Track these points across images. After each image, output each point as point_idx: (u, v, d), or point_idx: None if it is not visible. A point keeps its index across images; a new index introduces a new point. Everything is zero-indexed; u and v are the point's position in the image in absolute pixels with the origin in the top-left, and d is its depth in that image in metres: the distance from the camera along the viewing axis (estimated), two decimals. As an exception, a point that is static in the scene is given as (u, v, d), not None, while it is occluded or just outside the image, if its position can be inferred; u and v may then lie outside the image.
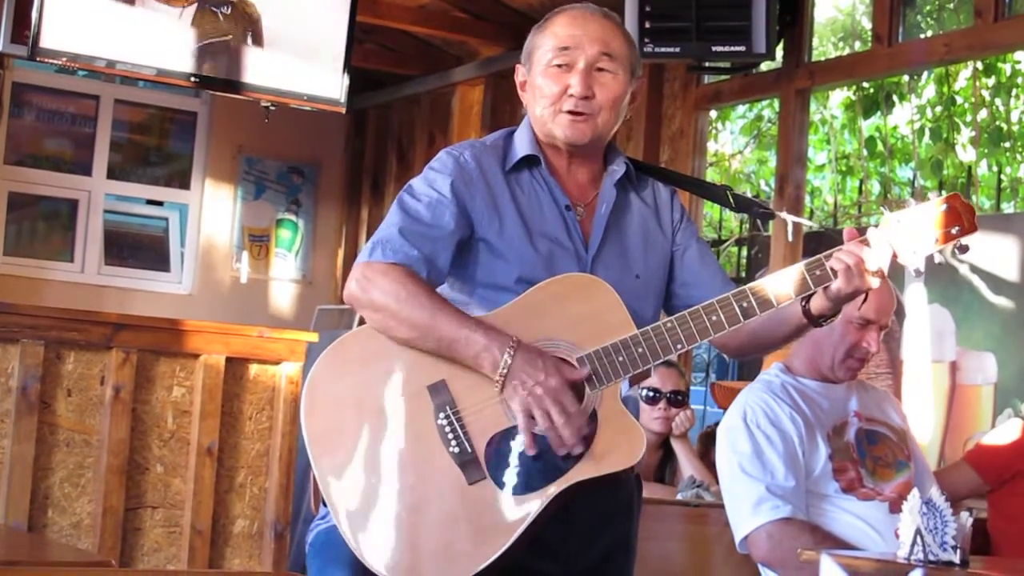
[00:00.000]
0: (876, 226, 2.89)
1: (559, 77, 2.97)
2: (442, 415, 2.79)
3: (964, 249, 2.87)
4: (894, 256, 2.85)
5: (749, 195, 3.39)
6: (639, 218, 3.10)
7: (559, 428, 2.73)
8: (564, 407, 2.73)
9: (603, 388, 2.82)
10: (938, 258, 2.87)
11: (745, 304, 2.84)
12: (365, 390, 2.84)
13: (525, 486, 2.77)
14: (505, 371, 2.74)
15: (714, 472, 5.88)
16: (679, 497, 5.39)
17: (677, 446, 5.64)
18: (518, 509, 2.77)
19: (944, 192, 2.96)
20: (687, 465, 5.61)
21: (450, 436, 2.78)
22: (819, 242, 6.73)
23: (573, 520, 2.91)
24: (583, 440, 2.78)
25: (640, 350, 2.83)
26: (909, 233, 2.84)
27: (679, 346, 2.85)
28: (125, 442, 5.00)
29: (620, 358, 2.82)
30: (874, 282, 2.84)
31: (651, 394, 5.46)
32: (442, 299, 2.85)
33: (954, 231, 2.85)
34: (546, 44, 2.99)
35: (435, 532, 2.76)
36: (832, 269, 2.82)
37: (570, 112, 2.96)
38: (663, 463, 5.73)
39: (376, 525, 2.77)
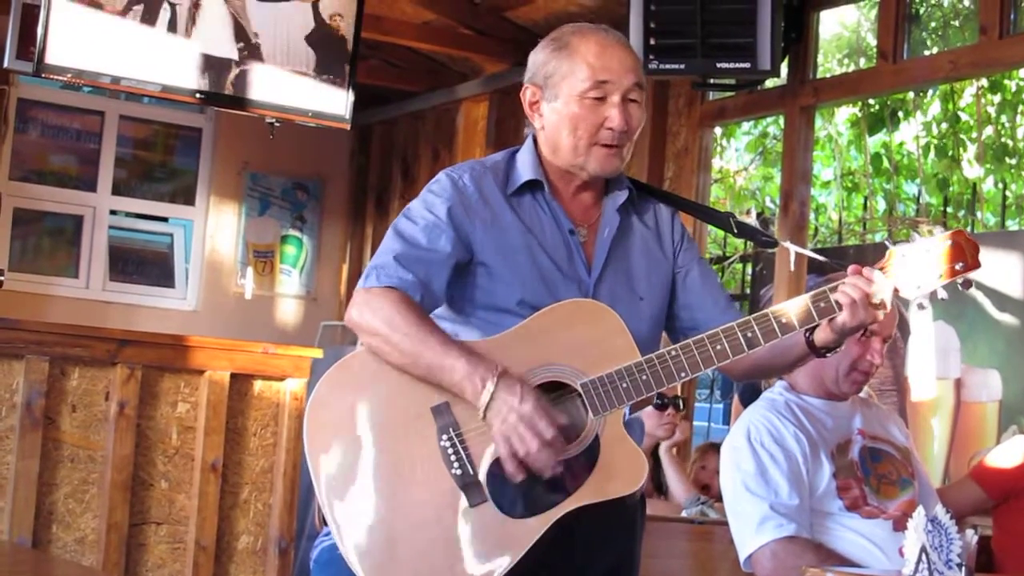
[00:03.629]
0: (881, 244, 2.91)
1: (596, 109, 2.96)
2: (445, 437, 2.80)
3: (968, 285, 2.90)
4: (896, 291, 2.87)
5: (753, 215, 3.40)
6: (641, 240, 3.10)
7: (532, 454, 2.73)
8: (538, 432, 2.73)
9: (606, 415, 2.83)
10: (941, 293, 2.89)
11: (750, 334, 2.85)
12: (368, 410, 2.85)
13: (526, 510, 2.78)
14: (488, 399, 2.75)
15: (698, 485, 5.91)
16: (684, 514, 5.40)
17: (666, 457, 5.67)
18: (519, 533, 2.77)
19: (950, 209, 2.99)
20: (674, 478, 5.65)
21: (453, 458, 2.79)
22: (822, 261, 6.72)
23: (577, 538, 2.91)
24: (586, 466, 2.80)
25: (644, 377, 2.84)
26: (913, 268, 2.87)
27: (683, 374, 2.86)
28: (129, 458, 5.00)
29: (624, 385, 2.83)
30: (879, 315, 2.86)
31: (660, 401, 5.49)
32: (432, 326, 2.85)
33: (958, 267, 2.87)
34: (578, 74, 2.96)
35: (436, 553, 2.77)
36: (837, 302, 2.83)
37: (606, 146, 2.96)
38: (655, 471, 5.77)
39: (377, 545, 2.78)
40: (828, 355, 2.97)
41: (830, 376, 3.96)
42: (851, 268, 2.88)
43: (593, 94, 2.95)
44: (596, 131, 2.96)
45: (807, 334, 2.91)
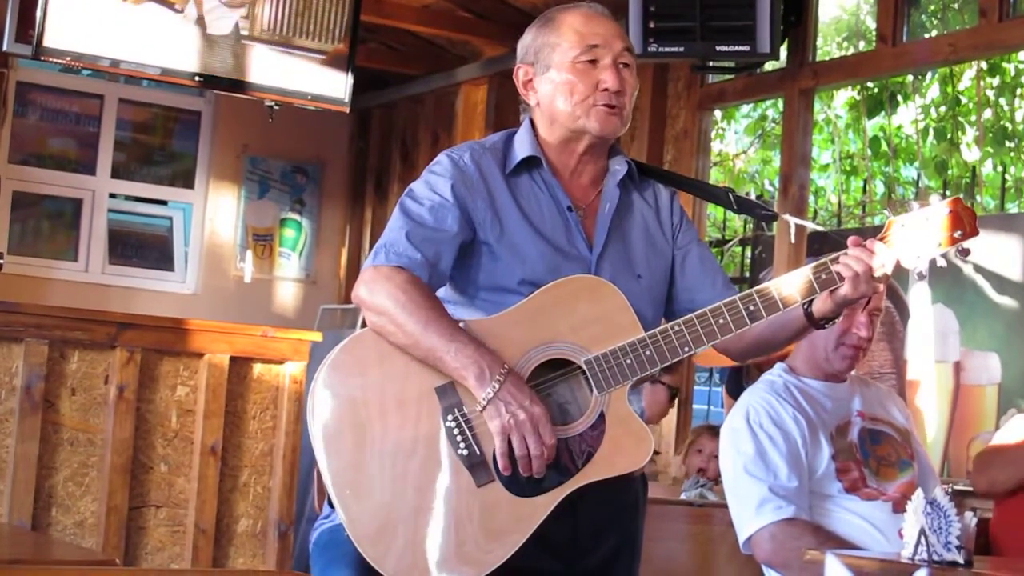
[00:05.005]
0: (880, 226, 2.91)
1: (589, 73, 2.98)
2: (450, 417, 2.79)
3: (966, 252, 2.90)
4: (897, 261, 2.87)
5: (752, 196, 3.40)
6: (641, 218, 3.11)
7: (533, 458, 2.74)
8: (542, 438, 2.74)
9: (610, 391, 2.83)
10: (940, 262, 2.90)
11: (751, 307, 2.86)
12: (373, 391, 2.84)
13: (533, 488, 2.78)
14: (492, 392, 2.74)
15: (692, 468, 5.92)
16: (683, 497, 5.41)
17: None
18: (526, 512, 2.77)
19: (948, 193, 2.99)
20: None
21: (459, 438, 2.78)
22: (823, 241, 6.72)
23: (580, 519, 2.91)
24: (592, 443, 2.80)
25: (648, 353, 2.84)
26: (912, 237, 2.87)
27: (686, 349, 2.86)
28: (129, 441, 5.00)
29: (628, 361, 2.83)
30: (880, 287, 2.87)
31: (671, 389, 5.51)
32: (441, 308, 2.85)
33: (956, 235, 2.88)
34: (568, 41, 2.99)
35: (443, 534, 2.76)
36: (838, 274, 2.83)
37: (605, 106, 2.97)
38: None
39: (383, 526, 2.77)
40: (827, 326, 2.97)
41: (820, 355, 3.97)
42: (851, 240, 2.88)
43: (585, 57, 2.98)
44: (592, 92, 2.97)
45: (805, 306, 2.91)
